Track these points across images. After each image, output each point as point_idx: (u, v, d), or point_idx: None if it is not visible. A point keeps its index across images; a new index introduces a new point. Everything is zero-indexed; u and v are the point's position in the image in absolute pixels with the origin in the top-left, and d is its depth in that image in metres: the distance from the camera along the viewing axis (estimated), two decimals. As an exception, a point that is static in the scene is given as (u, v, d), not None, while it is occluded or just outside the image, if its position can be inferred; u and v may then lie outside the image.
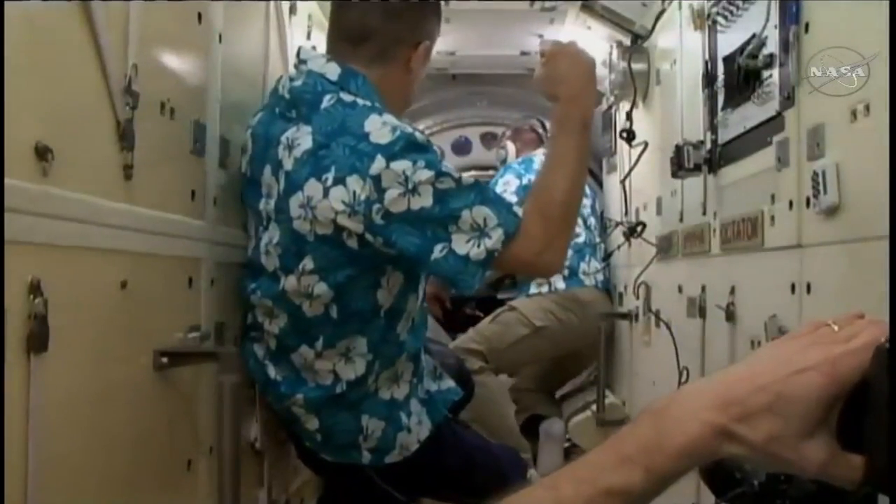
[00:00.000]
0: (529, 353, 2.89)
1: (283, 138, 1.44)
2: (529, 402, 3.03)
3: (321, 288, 1.42)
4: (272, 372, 1.52)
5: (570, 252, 2.87)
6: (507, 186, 2.94)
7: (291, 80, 1.50)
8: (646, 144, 2.34)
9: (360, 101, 1.44)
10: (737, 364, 0.56)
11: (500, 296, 3.25)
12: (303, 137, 1.41)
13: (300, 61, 1.51)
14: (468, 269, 1.36)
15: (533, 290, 2.93)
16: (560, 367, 3.15)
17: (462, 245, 1.35)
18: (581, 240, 2.97)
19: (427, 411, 1.58)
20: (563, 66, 1.47)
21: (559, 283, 2.89)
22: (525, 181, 2.92)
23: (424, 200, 1.34)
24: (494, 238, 1.36)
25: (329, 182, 1.35)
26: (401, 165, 1.34)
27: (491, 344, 2.75)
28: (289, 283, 1.44)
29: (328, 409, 1.50)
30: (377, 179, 1.33)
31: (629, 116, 2.74)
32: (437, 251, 1.35)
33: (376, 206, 1.33)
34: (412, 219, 1.34)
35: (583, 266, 2.95)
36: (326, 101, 1.43)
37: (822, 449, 0.52)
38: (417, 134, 1.41)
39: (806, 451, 0.52)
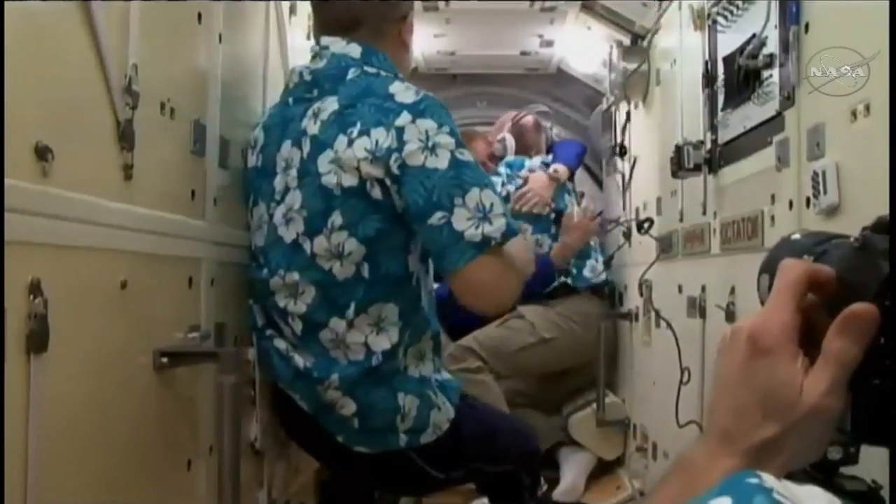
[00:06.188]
0: (535, 361, 2.83)
1: (308, 112, 1.49)
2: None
3: (352, 244, 1.43)
4: (300, 361, 1.50)
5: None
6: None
7: (308, 67, 1.55)
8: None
9: (384, 73, 1.51)
10: (712, 397, 0.56)
11: None
12: (329, 104, 1.47)
13: (322, 48, 1.55)
14: (458, 246, 1.38)
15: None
16: (560, 383, 3.04)
17: (461, 222, 1.37)
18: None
19: (445, 396, 1.59)
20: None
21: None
22: (505, 192, 2.82)
23: (440, 162, 1.38)
24: (496, 226, 1.39)
25: (354, 135, 1.41)
26: (425, 124, 1.40)
27: (497, 348, 2.71)
28: (318, 245, 1.44)
29: (364, 387, 1.48)
30: (401, 130, 1.39)
31: (629, 117, 2.74)
32: (436, 218, 1.38)
33: (395, 156, 1.38)
34: (424, 177, 1.38)
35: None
36: (351, 73, 1.50)
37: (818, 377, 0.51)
38: (439, 101, 1.47)
39: (809, 389, 0.51)
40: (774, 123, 1.43)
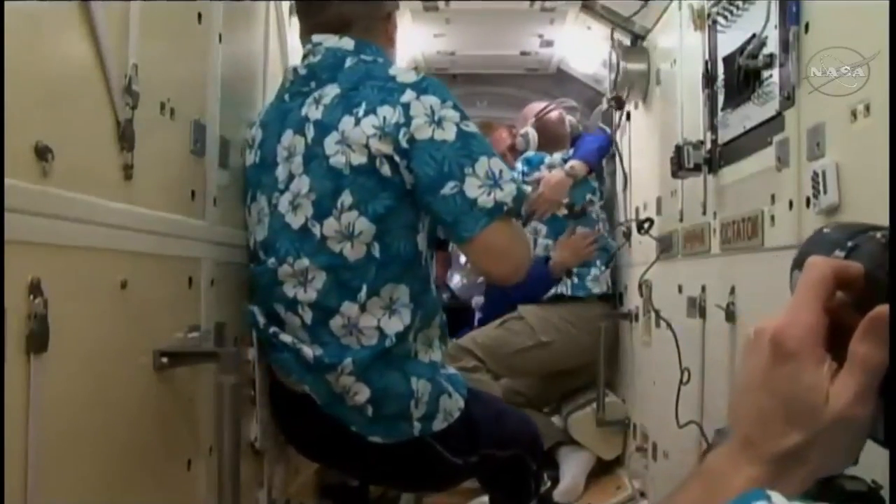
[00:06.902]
0: (532, 364, 2.83)
1: (308, 101, 1.50)
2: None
3: (362, 223, 1.44)
4: (309, 351, 1.48)
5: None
6: None
7: (303, 63, 1.56)
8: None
9: (380, 60, 1.55)
10: (731, 402, 0.54)
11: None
12: (330, 90, 1.49)
13: (314, 44, 1.56)
14: (472, 213, 1.40)
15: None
16: (558, 383, 3.03)
17: (473, 189, 1.41)
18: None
19: (454, 388, 1.59)
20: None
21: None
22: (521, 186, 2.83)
23: (447, 134, 1.42)
24: (507, 191, 1.42)
25: (360, 114, 1.44)
26: (429, 100, 1.44)
27: (495, 349, 2.70)
28: (327, 227, 1.45)
29: (377, 370, 1.48)
30: (407, 106, 1.43)
31: (629, 117, 2.74)
32: (448, 188, 1.41)
33: (403, 130, 1.41)
34: (433, 149, 1.41)
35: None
36: (349, 62, 1.53)
37: (846, 384, 0.49)
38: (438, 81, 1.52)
39: (835, 397, 0.49)
40: (774, 123, 1.43)
